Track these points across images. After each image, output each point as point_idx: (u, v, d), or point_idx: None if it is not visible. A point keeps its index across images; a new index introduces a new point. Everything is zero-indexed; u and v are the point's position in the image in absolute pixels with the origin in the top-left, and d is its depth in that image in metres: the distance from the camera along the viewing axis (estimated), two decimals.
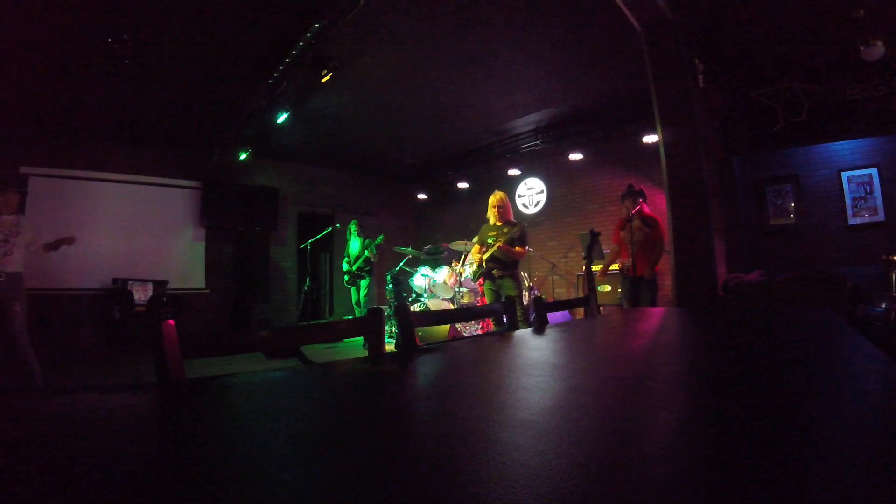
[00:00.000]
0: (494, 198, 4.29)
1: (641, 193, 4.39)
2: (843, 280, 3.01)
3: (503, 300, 3.99)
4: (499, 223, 4.23)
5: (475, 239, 4.60)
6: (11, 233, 3.41)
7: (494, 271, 4.17)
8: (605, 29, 4.27)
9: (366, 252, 5.94)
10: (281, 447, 0.55)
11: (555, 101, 6.16)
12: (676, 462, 0.47)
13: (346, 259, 6.24)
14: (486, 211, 4.36)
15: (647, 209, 4.36)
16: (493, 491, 0.38)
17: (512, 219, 4.30)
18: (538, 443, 0.52)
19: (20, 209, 3.66)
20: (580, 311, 5.53)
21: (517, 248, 4.10)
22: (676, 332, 1.74)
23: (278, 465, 0.48)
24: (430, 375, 1.07)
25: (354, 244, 6.14)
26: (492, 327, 5.28)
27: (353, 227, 6.24)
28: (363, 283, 6.03)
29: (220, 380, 0.99)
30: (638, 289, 4.26)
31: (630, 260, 4.44)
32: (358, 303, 6.11)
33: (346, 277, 6.21)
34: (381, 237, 6.05)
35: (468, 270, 5.88)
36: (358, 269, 6.01)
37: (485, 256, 4.20)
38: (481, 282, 5.77)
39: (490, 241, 4.16)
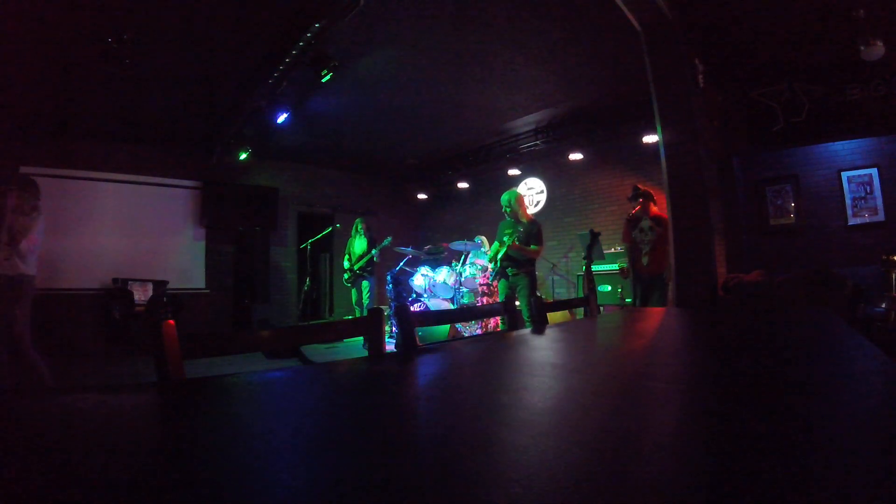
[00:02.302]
0: (506, 196, 4.27)
1: (645, 194, 4.40)
2: (843, 280, 3.01)
3: (517, 299, 4.03)
4: (516, 221, 4.22)
5: (492, 243, 4.57)
6: (16, 235, 3.38)
7: (509, 270, 4.16)
8: (604, 29, 4.28)
9: (373, 253, 5.86)
10: (281, 447, 0.55)
11: (555, 101, 6.16)
12: (676, 462, 0.47)
13: (346, 256, 6.15)
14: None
15: (655, 209, 4.37)
16: (494, 491, 0.38)
17: (527, 215, 4.29)
18: (538, 443, 0.52)
19: (27, 209, 3.59)
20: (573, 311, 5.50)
21: (532, 247, 4.09)
22: (676, 332, 1.74)
23: (278, 465, 0.48)
24: (430, 375, 1.07)
25: (360, 243, 6.01)
26: (492, 327, 5.28)
27: (359, 226, 6.08)
28: (365, 284, 5.95)
29: (220, 380, 0.99)
30: (651, 288, 4.26)
31: (629, 259, 4.44)
32: (359, 303, 6.04)
33: (346, 276, 6.12)
34: (388, 239, 5.99)
35: (468, 270, 5.89)
36: (360, 268, 5.94)
37: (499, 255, 4.19)
38: (484, 281, 5.80)
39: (505, 238, 4.16)
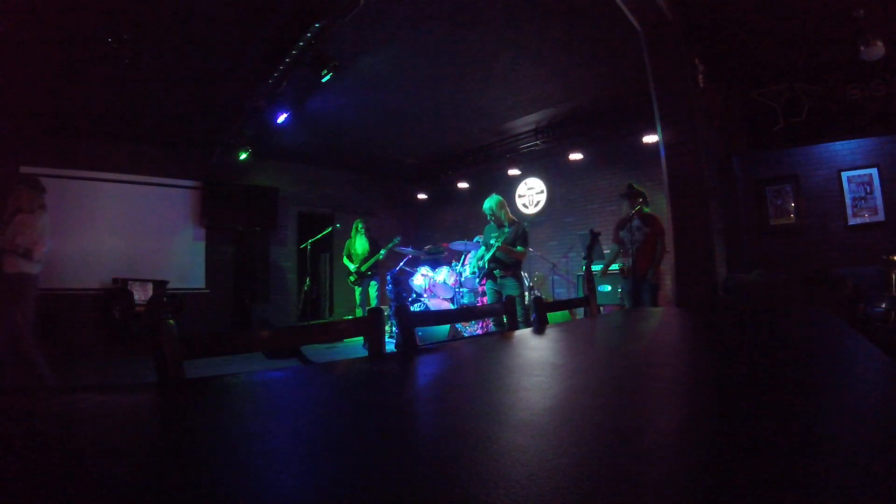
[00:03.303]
0: (487, 204, 4.32)
1: (641, 193, 4.39)
2: (843, 280, 3.01)
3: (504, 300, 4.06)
4: (500, 226, 4.26)
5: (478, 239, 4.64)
6: (17, 233, 3.37)
7: (496, 272, 4.20)
8: (605, 29, 4.27)
9: (382, 253, 5.94)
10: (281, 447, 0.55)
11: (555, 101, 6.16)
12: (676, 462, 0.47)
13: (346, 256, 6.17)
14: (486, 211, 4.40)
15: (646, 210, 4.37)
16: (494, 491, 0.38)
17: (510, 218, 4.33)
18: (538, 443, 0.52)
19: (33, 206, 3.59)
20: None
21: (518, 249, 4.13)
22: (676, 332, 1.74)
23: (278, 465, 0.48)
24: (430, 375, 1.07)
25: (361, 243, 6.03)
26: (490, 327, 5.28)
27: (359, 226, 6.10)
28: (373, 284, 6.03)
29: (220, 380, 0.99)
30: (639, 289, 4.26)
31: (629, 260, 4.44)
32: (365, 304, 6.09)
33: (351, 277, 6.15)
34: (397, 239, 6.09)
35: (468, 270, 5.89)
36: (366, 269, 5.99)
37: (486, 258, 4.24)
38: (483, 280, 5.81)
39: (492, 241, 4.20)
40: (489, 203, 4.30)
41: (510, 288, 4.13)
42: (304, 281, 7.71)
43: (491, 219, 4.30)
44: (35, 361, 3.36)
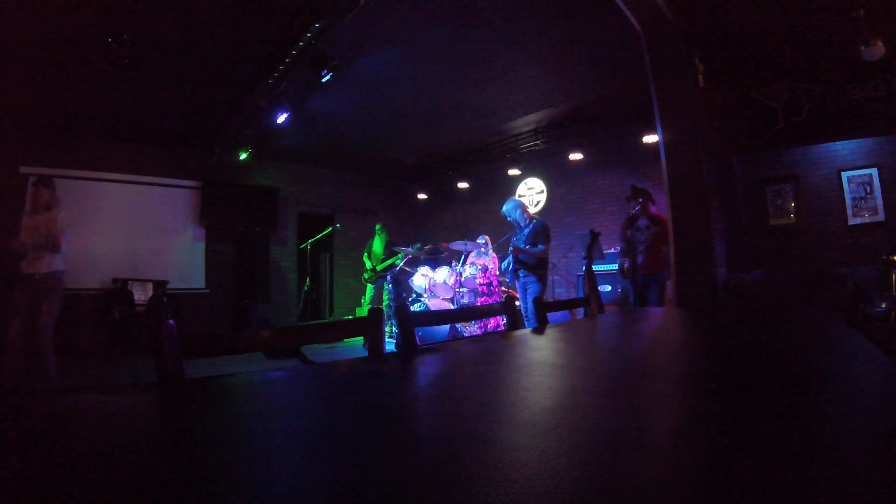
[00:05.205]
0: (504, 209, 4.51)
1: (646, 193, 4.41)
2: (843, 280, 3.01)
3: (529, 300, 4.13)
4: (520, 228, 4.38)
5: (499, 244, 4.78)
6: (41, 233, 3.45)
7: (520, 272, 4.28)
8: (604, 29, 4.27)
9: (399, 256, 6.18)
10: (281, 447, 0.55)
11: (555, 101, 6.16)
12: (676, 462, 0.47)
13: (365, 254, 6.56)
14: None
15: (652, 209, 4.39)
16: (493, 491, 0.38)
17: (529, 218, 4.44)
18: (538, 443, 0.52)
19: (51, 206, 3.68)
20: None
21: (538, 248, 4.20)
22: (676, 332, 1.74)
23: (278, 465, 0.48)
24: (430, 375, 1.07)
25: (378, 244, 6.46)
26: (491, 327, 5.28)
27: (378, 228, 6.57)
28: (385, 285, 6.22)
29: (220, 380, 0.99)
30: (647, 288, 4.27)
31: (629, 259, 4.44)
32: (373, 304, 6.24)
33: (366, 274, 6.47)
34: (417, 245, 6.35)
35: (468, 270, 5.89)
36: (382, 269, 6.28)
37: (509, 261, 4.37)
38: (484, 280, 5.83)
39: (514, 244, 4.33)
40: (504, 208, 4.50)
41: (532, 289, 4.20)
42: (304, 281, 7.71)
43: (509, 220, 4.41)
44: (47, 359, 3.41)
